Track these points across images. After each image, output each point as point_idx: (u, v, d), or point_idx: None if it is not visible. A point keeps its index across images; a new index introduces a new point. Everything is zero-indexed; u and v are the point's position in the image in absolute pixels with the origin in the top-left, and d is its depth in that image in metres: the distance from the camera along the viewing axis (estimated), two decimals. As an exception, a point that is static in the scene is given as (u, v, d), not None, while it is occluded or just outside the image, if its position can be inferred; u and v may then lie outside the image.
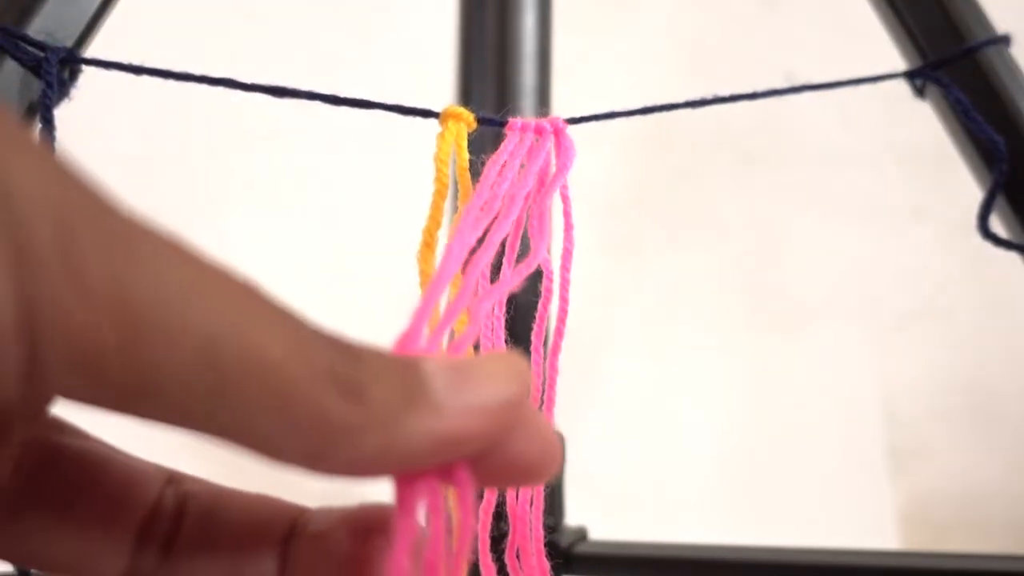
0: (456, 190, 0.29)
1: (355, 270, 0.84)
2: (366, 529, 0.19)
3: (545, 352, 0.29)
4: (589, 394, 0.87)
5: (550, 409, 0.28)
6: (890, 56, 0.44)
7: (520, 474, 0.16)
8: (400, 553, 0.15)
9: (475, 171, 0.29)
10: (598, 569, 0.51)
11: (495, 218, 0.24)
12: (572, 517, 0.53)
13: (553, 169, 0.29)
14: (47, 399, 0.14)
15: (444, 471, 0.16)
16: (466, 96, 0.49)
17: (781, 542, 0.48)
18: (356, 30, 0.87)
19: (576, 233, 0.30)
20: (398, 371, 0.15)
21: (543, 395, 0.28)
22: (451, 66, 0.51)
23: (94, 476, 0.19)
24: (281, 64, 0.80)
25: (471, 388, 0.15)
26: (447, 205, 0.28)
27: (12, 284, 0.12)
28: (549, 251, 0.28)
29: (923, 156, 0.88)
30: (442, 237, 0.28)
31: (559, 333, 0.29)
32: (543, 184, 0.28)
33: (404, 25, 0.87)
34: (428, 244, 0.27)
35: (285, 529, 0.19)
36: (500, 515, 0.27)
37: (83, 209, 0.13)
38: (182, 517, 0.19)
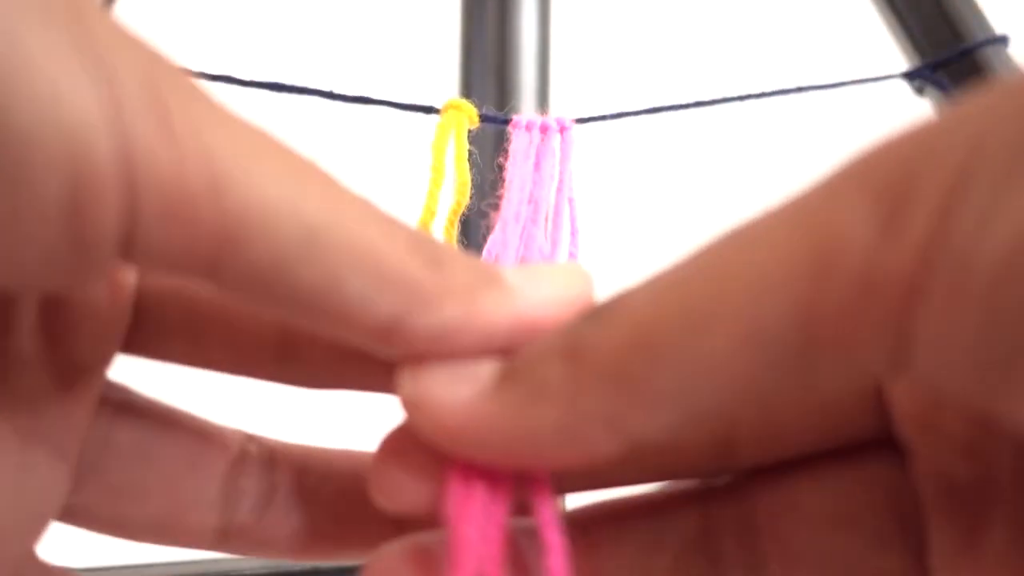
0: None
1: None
2: None
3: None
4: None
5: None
6: (891, 56, 0.44)
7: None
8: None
9: (473, 164, 0.29)
10: None
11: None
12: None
13: (557, 168, 0.29)
14: (142, 256, 0.13)
15: (521, 476, 0.15)
16: (466, 97, 0.49)
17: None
18: (356, 30, 0.87)
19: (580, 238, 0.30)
20: (474, 261, 0.15)
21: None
22: (451, 66, 0.51)
23: (167, 430, 0.18)
24: (280, 61, 0.80)
25: (543, 280, 0.16)
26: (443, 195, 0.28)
27: (109, 130, 0.12)
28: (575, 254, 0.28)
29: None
30: (437, 228, 0.28)
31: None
32: (559, 184, 0.28)
33: (404, 26, 0.87)
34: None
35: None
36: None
37: (168, 70, 0.13)
38: (274, 473, 0.19)
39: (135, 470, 0.18)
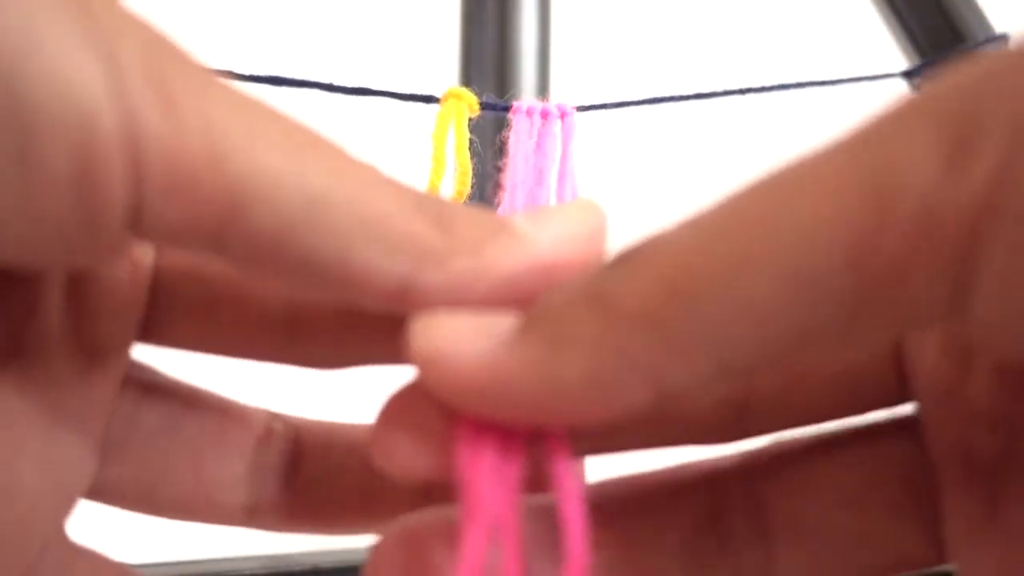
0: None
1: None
2: None
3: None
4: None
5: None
6: (891, 56, 0.44)
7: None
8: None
9: (474, 152, 0.28)
10: None
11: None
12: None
13: (559, 153, 0.29)
14: (150, 229, 0.14)
15: (536, 434, 0.14)
16: (466, 87, 0.49)
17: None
18: (354, 21, 0.87)
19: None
20: (481, 214, 0.15)
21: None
22: (451, 57, 0.51)
23: (193, 409, 0.19)
24: (279, 56, 0.79)
25: (553, 221, 0.15)
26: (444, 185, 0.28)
27: (113, 104, 0.13)
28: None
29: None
30: None
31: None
32: (561, 171, 0.28)
33: (403, 17, 0.87)
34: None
35: None
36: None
37: (170, 48, 0.14)
38: (300, 449, 0.19)
39: (162, 448, 0.18)
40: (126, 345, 0.18)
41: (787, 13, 0.95)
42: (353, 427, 0.20)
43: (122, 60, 0.13)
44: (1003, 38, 0.41)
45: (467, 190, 0.28)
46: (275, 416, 0.19)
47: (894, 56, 0.44)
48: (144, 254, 0.18)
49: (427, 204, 0.15)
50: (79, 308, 0.17)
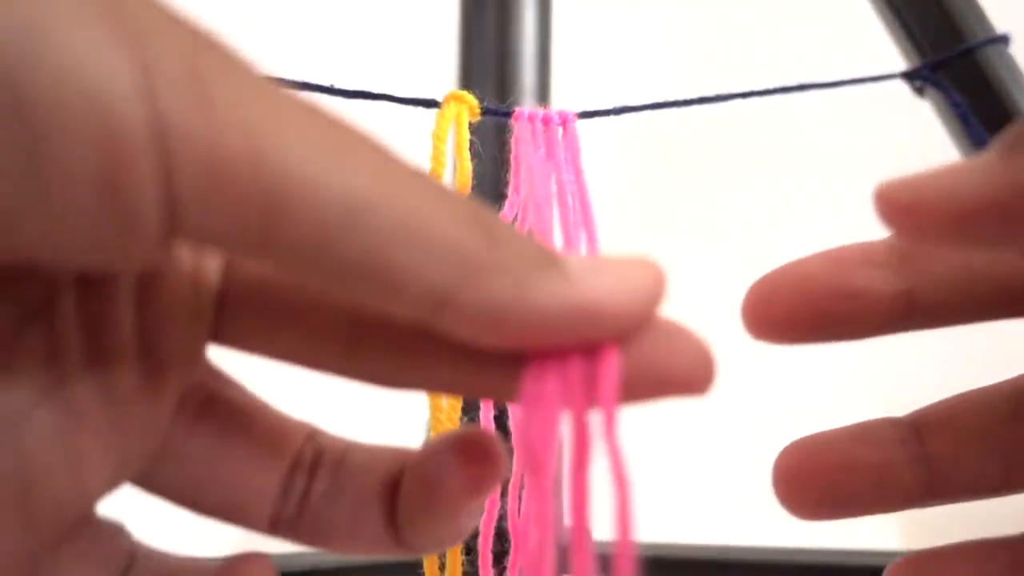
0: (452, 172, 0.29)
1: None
2: (475, 452, 0.18)
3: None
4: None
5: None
6: (891, 56, 0.44)
7: (670, 381, 0.15)
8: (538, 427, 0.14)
9: (474, 154, 0.28)
10: (598, 569, 0.51)
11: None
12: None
13: (564, 160, 0.29)
14: (190, 230, 0.13)
15: (587, 350, 0.15)
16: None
17: (780, 542, 0.48)
18: (354, 26, 0.87)
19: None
20: (535, 242, 0.15)
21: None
22: (450, 65, 0.51)
23: (249, 424, 0.19)
24: (280, 59, 0.80)
25: (609, 272, 0.15)
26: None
27: (138, 97, 0.12)
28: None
29: (923, 156, 0.88)
30: None
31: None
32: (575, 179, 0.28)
33: (403, 25, 0.87)
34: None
35: (395, 473, 0.19)
36: (500, 533, 0.26)
37: (208, 44, 0.13)
38: (317, 468, 0.19)
39: (209, 465, 0.19)
40: (193, 355, 0.18)
41: (787, 14, 0.94)
42: (370, 447, 0.20)
43: (153, 56, 0.13)
44: (1003, 38, 0.41)
45: (467, 191, 0.28)
46: (312, 434, 0.20)
47: (894, 56, 0.44)
48: (210, 266, 0.18)
49: (478, 218, 0.14)
50: (147, 318, 0.17)
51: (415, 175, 0.14)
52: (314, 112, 0.14)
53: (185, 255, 0.18)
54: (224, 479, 0.19)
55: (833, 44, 0.88)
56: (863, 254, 0.20)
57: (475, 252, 0.14)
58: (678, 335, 0.16)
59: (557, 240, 0.26)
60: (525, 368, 0.15)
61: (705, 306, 0.94)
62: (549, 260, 0.15)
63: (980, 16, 0.42)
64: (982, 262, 0.19)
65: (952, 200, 0.15)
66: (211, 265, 0.18)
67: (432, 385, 0.18)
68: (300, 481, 0.19)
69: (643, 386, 0.15)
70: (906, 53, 0.43)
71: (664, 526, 0.86)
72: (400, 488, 0.19)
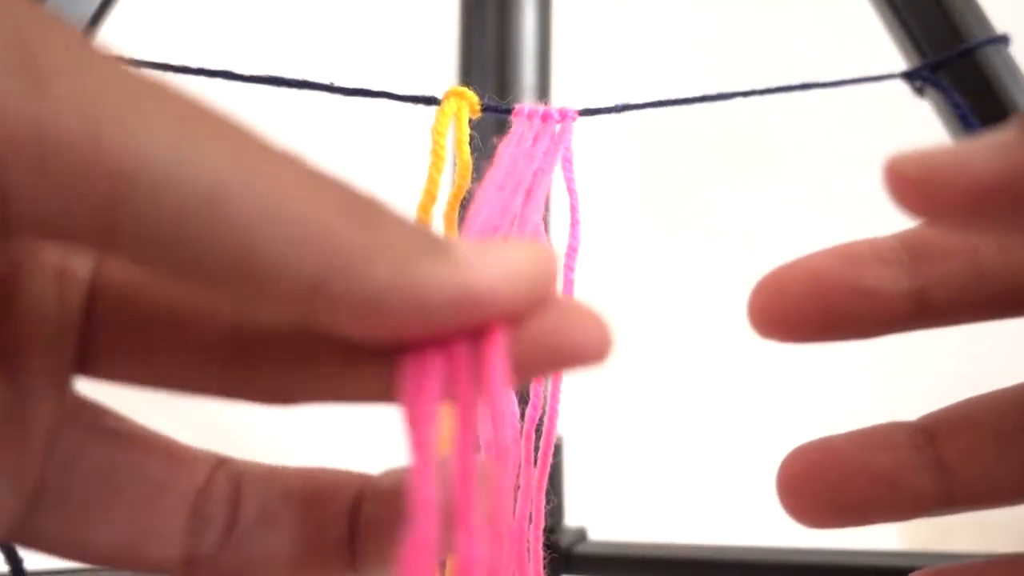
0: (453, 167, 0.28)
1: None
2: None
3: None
4: (590, 392, 0.87)
5: (555, 408, 0.28)
6: (891, 56, 0.44)
7: (566, 355, 0.15)
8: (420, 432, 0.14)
9: (474, 148, 0.28)
10: (598, 569, 0.51)
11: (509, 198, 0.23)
12: (572, 517, 0.53)
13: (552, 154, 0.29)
14: (23, 217, 0.12)
15: (474, 334, 0.14)
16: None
17: (780, 542, 0.48)
18: (355, 29, 0.87)
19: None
20: (420, 228, 0.14)
21: (547, 393, 0.28)
22: (450, 65, 0.51)
23: (136, 455, 0.18)
24: (279, 58, 0.80)
25: (498, 257, 0.14)
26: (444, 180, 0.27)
27: None
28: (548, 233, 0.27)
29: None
30: (437, 212, 0.27)
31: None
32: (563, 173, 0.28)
33: (403, 25, 0.87)
34: (423, 219, 0.26)
35: (351, 497, 0.18)
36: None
37: (39, 22, 0.12)
38: (239, 498, 0.18)
39: (100, 496, 0.17)
40: (60, 377, 0.16)
41: (787, 14, 0.95)
42: (287, 472, 0.19)
43: None
44: (1003, 38, 0.41)
45: (467, 185, 0.27)
46: (221, 462, 0.18)
47: (894, 56, 0.44)
48: (73, 283, 0.16)
49: (357, 204, 0.14)
50: (5, 339, 0.15)
51: (283, 159, 0.13)
52: (167, 93, 0.13)
53: (46, 267, 0.16)
54: (113, 519, 0.17)
55: (833, 44, 0.88)
56: (873, 250, 0.19)
57: (348, 238, 0.13)
58: (574, 311, 0.15)
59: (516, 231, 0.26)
60: (405, 357, 0.14)
61: (705, 306, 0.95)
62: (433, 245, 0.14)
63: (980, 16, 0.42)
64: (991, 259, 0.18)
65: (966, 176, 0.15)
66: (75, 281, 0.17)
67: (323, 396, 0.16)
68: (218, 512, 0.18)
69: (539, 361, 0.15)
70: (906, 53, 0.43)
71: (664, 526, 0.86)
72: (361, 513, 0.18)
